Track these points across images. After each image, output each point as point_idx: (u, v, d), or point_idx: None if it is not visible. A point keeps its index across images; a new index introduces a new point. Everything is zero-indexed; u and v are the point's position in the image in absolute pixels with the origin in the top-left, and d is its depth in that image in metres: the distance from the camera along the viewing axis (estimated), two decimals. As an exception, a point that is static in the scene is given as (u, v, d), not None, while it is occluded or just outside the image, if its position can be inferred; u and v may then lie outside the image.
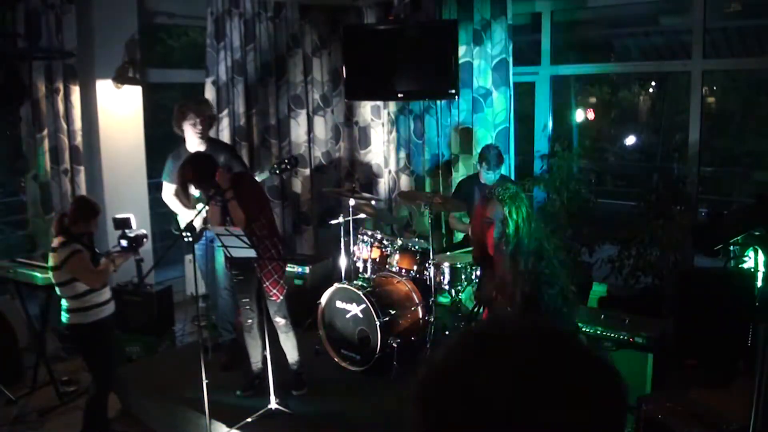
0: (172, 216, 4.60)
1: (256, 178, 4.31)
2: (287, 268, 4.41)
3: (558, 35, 5.84)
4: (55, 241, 3.59)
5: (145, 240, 3.91)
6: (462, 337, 0.83)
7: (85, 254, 3.59)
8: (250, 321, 3.98)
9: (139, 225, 4.17)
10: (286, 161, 4.42)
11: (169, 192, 4.46)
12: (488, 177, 4.79)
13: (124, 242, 3.81)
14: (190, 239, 3.79)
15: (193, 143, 4.41)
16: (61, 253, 3.54)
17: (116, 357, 4.12)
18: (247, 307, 3.97)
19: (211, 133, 4.73)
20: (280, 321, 3.95)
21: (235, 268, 3.95)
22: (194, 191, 3.98)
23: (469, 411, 0.74)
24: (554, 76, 5.85)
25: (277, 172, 4.43)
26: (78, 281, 3.57)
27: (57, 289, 3.64)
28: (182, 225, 4.55)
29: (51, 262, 3.60)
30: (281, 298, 3.90)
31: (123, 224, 3.97)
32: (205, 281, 4.73)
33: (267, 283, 3.84)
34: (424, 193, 5.28)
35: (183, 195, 3.89)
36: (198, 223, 4.17)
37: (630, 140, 10.58)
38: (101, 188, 5.28)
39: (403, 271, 4.68)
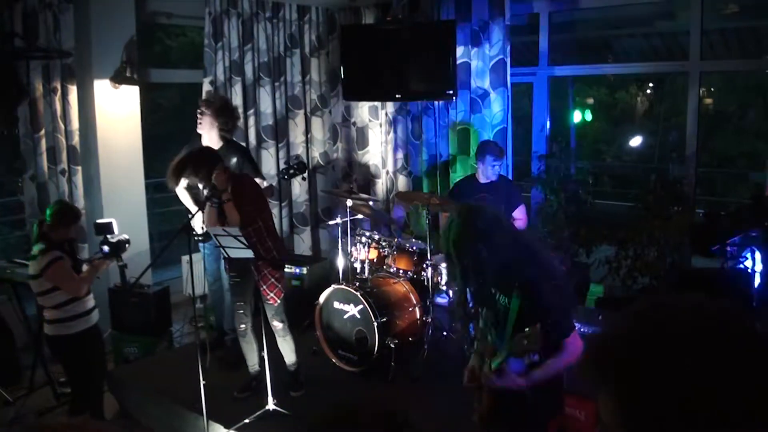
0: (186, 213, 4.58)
1: (258, 182, 4.29)
2: (285, 269, 4.40)
3: (556, 36, 5.85)
4: (35, 249, 3.44)
5: (127, 245, 3.80)
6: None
7: (66, 261, 3.44)
8: (243, 326, 3.95)
9: (137, 225, 4.16)
10: (295, 166, 4.38)
11: (182, 184, 4.49)
12: (494, 171, 4.65)
13: (105, 248, 3.72)
14: (200, 238, 3.74)
15: (211, 140, 4.45)
16: (41, 260, 3.38)
17: (101, 370, 3.90)
18: (241, 311, 3.94)
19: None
20: (277, 325, 3.93)
21: (233, 271, 3.93)
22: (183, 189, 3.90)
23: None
24: (552, 77, 5.85)
25: (285, 177, 4.40)
26: (59, 290, 3.43)
27: (37, 299, 3.49)
28: (194, 220, 4.56)
29: (30, 270, 3.45)
30: (279, 301, 3.88)
31: (104, 229, 3.87)
32: (210, 281, 4.70)
33: (264, 287, 3.83)
34: (421, 194, 5.27)
35: (176, 181, 3.75)
36: (198, 225, 4.16)
37: (628, 141, 10.61)
38: (98, 188, 5.26)
39: (401, 271, 4.68)
